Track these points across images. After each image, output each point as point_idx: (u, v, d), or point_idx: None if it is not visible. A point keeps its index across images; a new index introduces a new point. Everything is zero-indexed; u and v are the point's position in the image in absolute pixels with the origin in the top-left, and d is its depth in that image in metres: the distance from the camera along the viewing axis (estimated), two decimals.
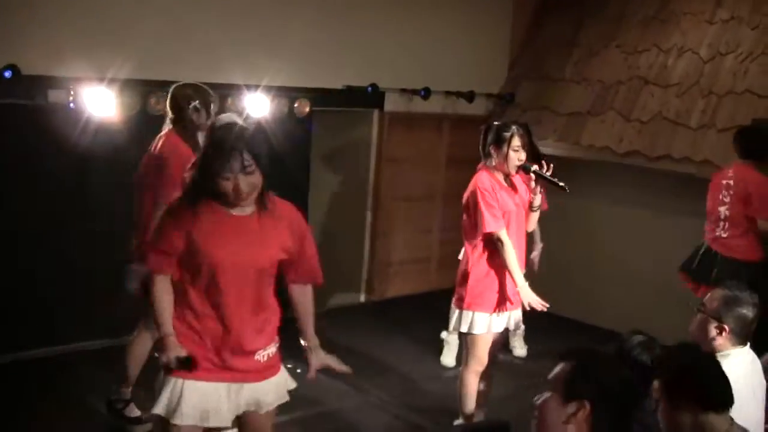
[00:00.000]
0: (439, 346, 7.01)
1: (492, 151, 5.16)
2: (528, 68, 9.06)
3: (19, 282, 6.41)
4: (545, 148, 5.59)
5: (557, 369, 2.76)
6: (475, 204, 5.09)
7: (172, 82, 5.36)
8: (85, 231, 6.61)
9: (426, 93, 8.30)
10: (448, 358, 6.93)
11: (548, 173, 5.16)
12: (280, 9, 7.20)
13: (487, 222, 5.03)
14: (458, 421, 5.50)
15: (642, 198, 7.96)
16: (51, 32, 5.90)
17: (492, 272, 5.16)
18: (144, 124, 6.19)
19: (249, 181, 3.46)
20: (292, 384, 3.88)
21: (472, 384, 5.31)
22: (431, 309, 7.56)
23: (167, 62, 6.43)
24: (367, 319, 8.14)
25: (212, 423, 3.61)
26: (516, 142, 5.10)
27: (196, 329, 3.62)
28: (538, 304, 5.06)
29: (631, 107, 7.88)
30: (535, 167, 5.14)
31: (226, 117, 3.62)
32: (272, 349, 3.73)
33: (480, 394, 5.36)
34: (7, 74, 5.58)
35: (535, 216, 5.36)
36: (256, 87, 6.87)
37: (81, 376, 6.18)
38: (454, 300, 5.35)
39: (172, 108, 5.24)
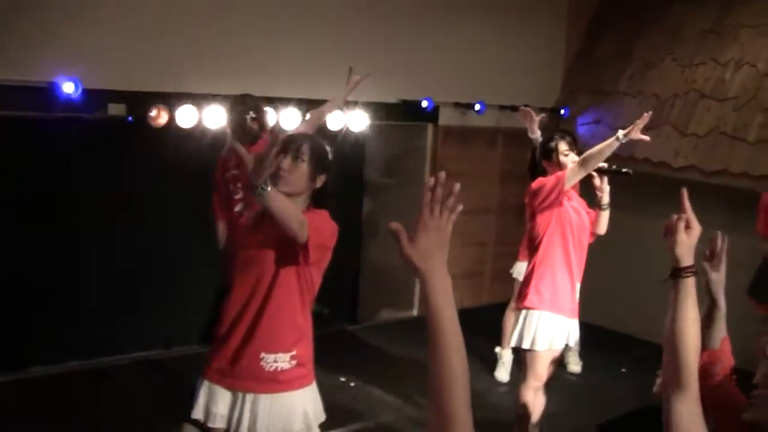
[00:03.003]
0: (492, 361, 6.99)
1: (546, 167, 5.29)
2: (583, 82, 9.01)
3: (84, 290, 6.56)
4: (602, 165, 5.63)
5: None
6: (535, 193, 5.18)
7: (230, 96, 5.46)
8: (142, 242, 6.74)
9: (480, 107, 8.30)
10: (502, 373, 6.90)
11: (607, 165, 5.20)
12: (336, 25, 7.26)
13: (554, 179, 5.07)
14: None
15: (697, 214, 7.85)
16: (111, 46, 5.99)
17: (554, 275, 5.19)
18: (200, 136, 6.27)
19: (294, 167, 3.64)
20: (317, 418, 3.84)
21: (530, 400, 5.29)
22: (484, 323, 7.52)
23: (225, 76, 6.50)
24: (420, 332, 8.00)
25: (209, 423, 3.75)
26: (563, 146, 5.23)
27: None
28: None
29: (687, 121, 7.80)
30: None
31: None
32: (283, 360, 3.69)
33: (535, 411, 5.35)
34: (69, 89, 5.68)
35: (605, 216, 5.36)
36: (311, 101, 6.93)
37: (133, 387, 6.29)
38: (516, 303, 5.48)
39: (231, 124, 5.36)
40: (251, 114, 5.30)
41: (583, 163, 5.01)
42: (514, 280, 6.78)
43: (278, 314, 3.66)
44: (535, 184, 5.25)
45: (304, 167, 3.66)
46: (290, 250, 3.57)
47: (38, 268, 6.45)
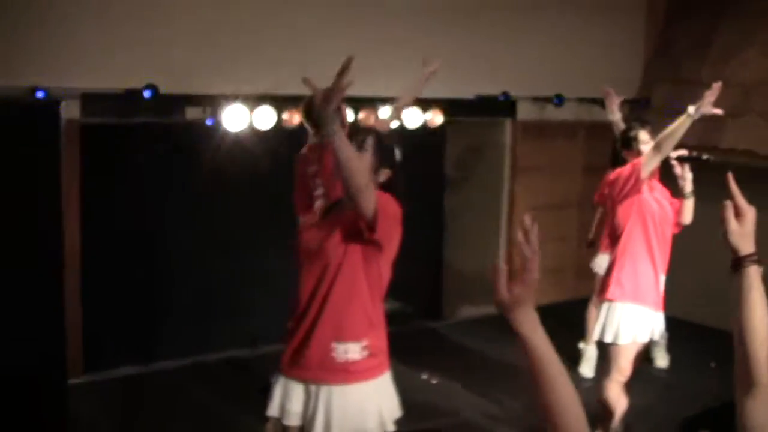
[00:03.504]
0: (576, 357, 6.90)
1: (626, 157, 5.21)
2: (663, 71, 8.83)
3: (170, 290, 6.67)
4: (682, 153, 5.51)
5: None
6: (613, 183, 5.12)
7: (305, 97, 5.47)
8: (224, 244, 6.81)
9: (559, 100, 8.20)
10: (586, 368, 6.80)
11: (687, 152, 5.07)
12: (410, 20, 7.23)
13: (630, 167, 5.00)
14: None
15: None
16: (186, 51, 6.07)
17: (636, 266, 5.09)
18: (279, 138, 6.31)
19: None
20: (390, 413, 3.78)
21: (614, 395, 5.19)
22: (567, 319, 7.43)
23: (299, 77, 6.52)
24: (503, 328, 7.95)
25: (285, 421, 3.73)
26: (643, 136, 5.16)
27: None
28: None
29: None
30: (671, 154, 5.05)
31: None
32: (354, 350, 3.65)
33: (619, 406, 5.25)
34: (147, 94, 5.76)
35: (689, 204, 5.22)
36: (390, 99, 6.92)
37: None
38: (598, 295, 5.44)
39: (309, 121, 5.34)
40: None
41: (657, 147, 4.89)
42: (595, 274, 6.68)
43: (346, 303, 3.62)
44: (612, 175, 5.18)
45: (366, 158, 3.63)
46: (355, 236, 3.54)
47: (125, 270, 6.57)
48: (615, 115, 6.11)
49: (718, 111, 4.88)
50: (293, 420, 3.71)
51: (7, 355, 4.37)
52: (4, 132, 4.44)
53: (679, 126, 4.81)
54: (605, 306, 5.15)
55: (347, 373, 3.63)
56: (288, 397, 3.72)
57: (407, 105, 5.91)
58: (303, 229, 3.84)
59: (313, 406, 3.64)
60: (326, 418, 3.61)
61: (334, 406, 3.61)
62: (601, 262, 6.49)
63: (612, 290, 5.11)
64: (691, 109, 4.82)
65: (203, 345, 6.87)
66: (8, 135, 4.45)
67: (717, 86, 4.85)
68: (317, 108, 3.23)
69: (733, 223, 2.30)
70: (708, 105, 4.84)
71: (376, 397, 3.70)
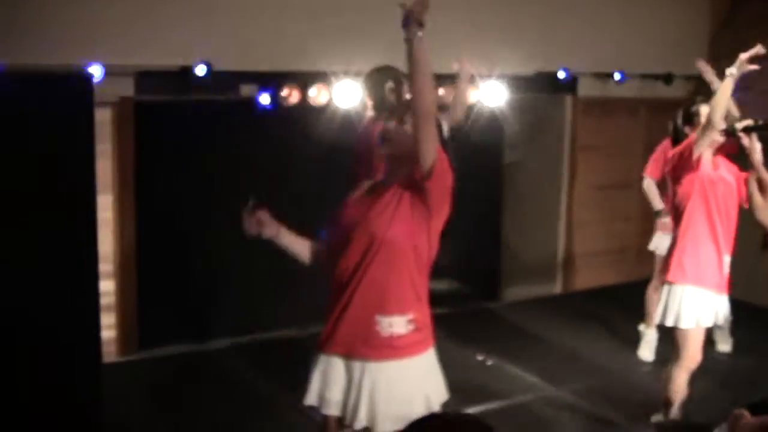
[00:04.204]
0: (636, 339, 6.76)
1: (688, 133, 5.11)
2: (729, 47, 8.54)
3: (221, 270, 6.68)
4: (748, 123, 5.33)
5: None
6: (671, 161, 5.00)
7: (362, 74, 5.39)
8: (280, 220, 6.77)
9: (621, 76, 8.03)
10: (646, 351, 6.65)
11: (753, 121, 4.89)
12: None
13: (686, 142, 4.90)
14: (657, 417, 5.28)
15: None
16: (241, 27, 6.04)
17: (698, 246, 4.93)
18: (334, 116, 6.25)
19: (398, 128, 3.58)
20: (438, 397, 3.63)
21: (681, 383, 5.05)
22: (628, 300, 7.32)
23: (355, 54, 6.44)
24: (562, 310, 7.95)
25: (323, 410, 3.61)
26: (705, 110, 5.00)
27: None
28: None
29: None
30: (737, 125, 4.88)
31: None
32: (399, 324, 3.49)
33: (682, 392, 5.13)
34: (202, 71, 5.74)
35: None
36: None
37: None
38: (660, 276, 5.31)
39: (370, 95, 5.24)
40: (390, 84, 5.12)
41: (709, 120, 4.74)
42: (654, 255, 6.54)
43: (391, 275, 3.47)
44: (670, 153, 5.08)
45: (409, 130, 3.48)
46: (409, 187, 3.44)
47: (180, 249, 6.57)
48: (718, 84, 5.91)
49: (754, 66, 4.69)
50: (332, 410, 3.57)
51: (42, 332, 4.35)
52: (38, 106, 4.36)
53: (723, 90, 4.69)
54: (666, 288, 5.01)
55: (392, 348, 3.47)
56: (327, 384, 3.57)
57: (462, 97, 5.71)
58: (348, 204, 3.72)
59: (356, 394, 3.49)
60: (370, 405, 3.46)
61: (379, 389, 3.45)
62: (659, 242, 6.35)
63: (673, 272, 4.97)
64: (728, 71, 4.69)
65: (253, 325, 6.86)
66: (42, 109, 4.37)
67: (758, 47, 4.69)
68: (407, 12, 3.23)
69: (758, 198, 2.17)
70: (745, 63, 4.67)
71: (423, 378, 3.56)
